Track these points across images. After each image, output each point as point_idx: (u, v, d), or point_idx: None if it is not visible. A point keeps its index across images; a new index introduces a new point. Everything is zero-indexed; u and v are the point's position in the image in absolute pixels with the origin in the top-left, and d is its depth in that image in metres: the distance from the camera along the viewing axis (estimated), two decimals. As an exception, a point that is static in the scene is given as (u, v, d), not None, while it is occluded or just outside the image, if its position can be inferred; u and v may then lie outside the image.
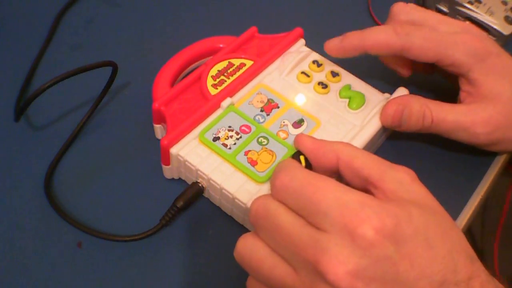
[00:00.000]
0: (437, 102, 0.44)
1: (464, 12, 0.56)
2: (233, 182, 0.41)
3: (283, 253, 0.31)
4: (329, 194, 0.30)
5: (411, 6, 0.46)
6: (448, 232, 0.31)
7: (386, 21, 0.47)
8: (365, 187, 0.33)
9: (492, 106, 0.43)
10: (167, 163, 0.43)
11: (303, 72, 0.48)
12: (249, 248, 0.32)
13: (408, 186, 0.32)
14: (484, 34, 0.45)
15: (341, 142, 0.35)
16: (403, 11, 0.46)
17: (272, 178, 0.33)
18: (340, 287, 0.28)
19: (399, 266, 0.29)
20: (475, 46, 0.43)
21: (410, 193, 0.32)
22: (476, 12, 0.55)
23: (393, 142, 0.48)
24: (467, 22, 0.48)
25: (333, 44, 0.46)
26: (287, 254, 0.31)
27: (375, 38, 0.44)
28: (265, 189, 0.41)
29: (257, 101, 0.46)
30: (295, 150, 0.38)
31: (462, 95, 0.45)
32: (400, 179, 0.32)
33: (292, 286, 0.31)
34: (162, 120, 0.45)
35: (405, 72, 0.48)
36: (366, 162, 0.33)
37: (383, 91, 0.47)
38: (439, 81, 0.50)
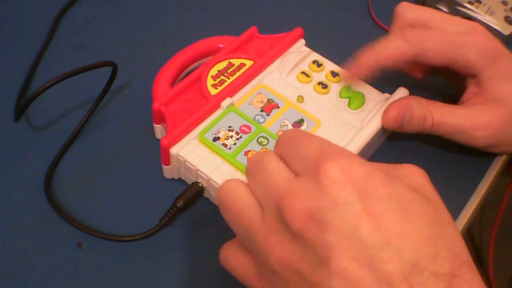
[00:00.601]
0: (439, 104, 0.44)
1: (464, 12, 0.56)
2: (233, 182, 0.41)
3: (259, 194, 0.30)
4: (314, 143, 0.30)
5: (415, 5, 0.46)
6: (439, 223, 0.27)
7: (392, 22, 0.47)
8: None
9: (494, 109, 0.43)
10: (167, 163, 0.43)
11: (303, 72, 0.48)
12: (230, 186, 0.32)
13: (411, 179, 0.29)
14: (490, 33, 0.45)
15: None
16: (407, 10, 0.46)
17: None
18: (293, 226, 0.27)
19: (360, 221, 0.26)
20: (486, 46, 0.43)
21: (412, 183, 0.29)
22: (476, 12, 0.55)
23: (393, 142, 0.48)
24: (473, 22, 0.48)
25: (349, 75, 0.46)
26: (261, 194, 0.30)
27: (387, 52, 0.44)
28: (265, 189, 0.41)
29: (257, 101, 0.46)
30: None
31: (466, 95, 0.45)
32: (404, 173, 0.30)
33: (254, 229, 0.30)
34: (162, 120, 0.45)
35: (420, 75, 0.48)
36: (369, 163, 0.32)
37: (383, 91, 0.47)
38: (439, 81, 0.50)
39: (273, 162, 0.31)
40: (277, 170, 0.30)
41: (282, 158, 0.31)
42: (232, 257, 0.33)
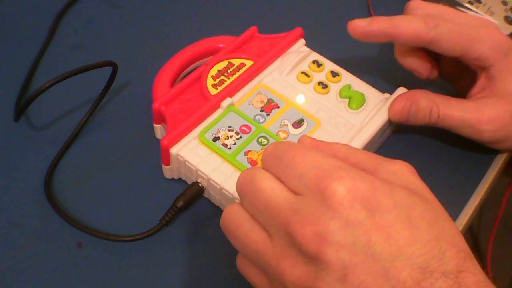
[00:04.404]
0: (445, 97, 0.44)
1: (464, 12, 0.56)
2: (233, 182, 0.41)
3: (261, 219, 0.31)
4: (307, 158, 0.30)
5: (427, 2, 0.46)
6: (438, 221, 0.29)
7: None
8: None
9: (501, 104, 0.43)
10: (167, 163, 0.43)
11: (303, 72, 0.48)
12: (232, 214, 0.32)
13: (402, 176, 0.31)
14: (500, 29, 0.45)
15: (340, 143, 0.35)
16: (420, 7, 0.45)
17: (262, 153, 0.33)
18: (308, 250, 0.28)
19: (371, 236, 0.27)
20: (499, 40, 0.43)
21: (404, 182, 0.30)
22: (476, 12, 0.55)
23: (394, 141, 0.48)
24: (485, 18, 0.47)
25: (358, 26, 0.44)
26: (264, 219, 0.30)
27: (407, 27, 0.43)
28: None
29: (257, 101, 0.46)
30: None
31: (474, 89, 0.45)
32: (395, 170, 0.31)
33: (264, 253, 0.30)
34: (162, 120, 0.45)
35: (424, 72, 0.47)
36: (361, 158, 0.32)
37: (383, 91, 0.47)
38: (439, 82, 0.50)
39: (266, 181, 0.31)
40: (274, 191, 0.30)
41: (273, 175, 0.31)
42: (247, 267, 0.33)
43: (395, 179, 0.30)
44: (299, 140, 0.36)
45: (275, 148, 0.32)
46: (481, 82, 0.44)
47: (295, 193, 0.30)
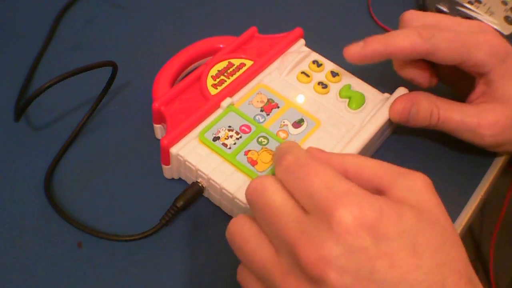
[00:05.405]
0: (446, 100, 0.44)
1: (464, 12, 0.56)
2: (233, 182, 0.41)
3: (269, 233, 0.31)
4: (321, 177, 0.30)
5: (422, 12, 0.46)
6: (444, 247, 0.29)
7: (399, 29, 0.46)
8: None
9: (501, 110, 0.43)
10: (167, 163, 0.43)
11: (303, 72, 0.48)
12: (238, 226, 0.32)
13: (417, 193, 0.30)
14: (498, 33, 0.45)
15: (349, 154, 0.34)
16: (415, 18, 0.45)
17: (277, 157, 0.32)
18: (312, 273, 0.28)
19: (375, 263, 0.27)
20: (497, 46, 0.43)
21: (418, 200, 0.30)
22: (476, 12, 0.55)
23: (394, 141, 0.48)
24: (481, 22, 0.47)
25: (354, 51, 0.44)
26: (272, 234, 0.30)
27: (400, 43, 0.43)
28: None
29: (257, 101, 0.46)
30: None
31: (473, 95, 0.45)
32: (410, 186, 0.31)
33: (270, 269, 0.30)
34: (162, 120, 0.45)
35: (424, 81, 0.47)
36: (376, 171, 0.32)
37: (383, 91, 0.47)
38: (439, 84, 0.50)
39: (278, 195, 0.31)
40: (284, 207, 0.30)
41: (284, 185, 0.31)
42: (251, 281, 0.33)
43: (410, 197, 0.30)
44: (307, 151, 0.35)
45: (293, 160, 0.32)
46: (479, 88, 0.44)
47: (306, 210, 0.30)
